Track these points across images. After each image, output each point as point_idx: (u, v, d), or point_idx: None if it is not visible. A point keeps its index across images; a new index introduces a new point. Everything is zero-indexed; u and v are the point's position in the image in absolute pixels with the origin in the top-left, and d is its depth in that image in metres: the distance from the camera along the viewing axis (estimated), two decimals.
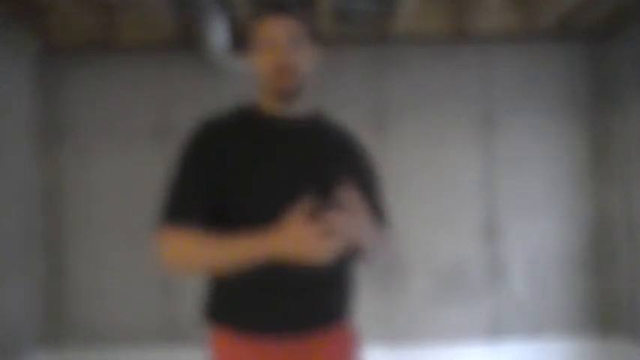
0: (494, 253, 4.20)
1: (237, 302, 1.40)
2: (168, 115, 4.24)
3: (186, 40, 4.13)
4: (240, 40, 4.06)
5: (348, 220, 1.26)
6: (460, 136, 4.25)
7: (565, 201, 4.21)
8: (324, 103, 4.02)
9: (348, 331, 1.51)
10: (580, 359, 4.08)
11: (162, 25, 4.01)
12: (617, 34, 4.06)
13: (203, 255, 1.34)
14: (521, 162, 4.23)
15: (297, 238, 1.22)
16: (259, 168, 1.37)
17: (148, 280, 4.15)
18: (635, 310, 3.84)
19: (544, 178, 4.22)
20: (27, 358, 3.89)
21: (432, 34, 4.18)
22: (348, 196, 1.29)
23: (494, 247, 4.20)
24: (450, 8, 4.07)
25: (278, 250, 1.25)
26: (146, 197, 4.17)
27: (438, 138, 4.25)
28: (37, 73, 4.21)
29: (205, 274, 1.46)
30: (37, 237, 4.14)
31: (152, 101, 4.24)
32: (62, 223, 4.19)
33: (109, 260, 4.15)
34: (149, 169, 4.20)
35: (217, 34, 3.79)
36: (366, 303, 3.96)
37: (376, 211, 1.55)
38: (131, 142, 4.22)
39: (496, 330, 4.15)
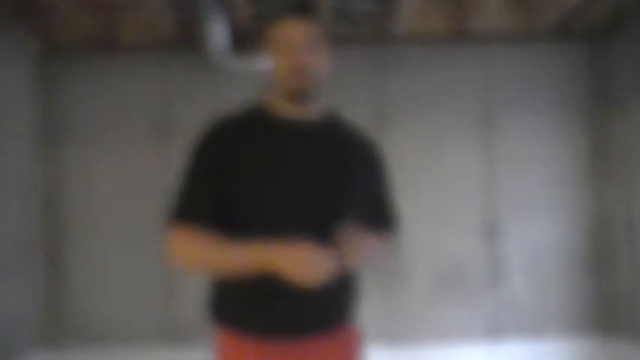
0: (494, 253, 4.20)
1: (240, 304, 1.41)
2: (168, 114, 4.24)
3: (186, 40, 4.13)
4: (240, 40, 4.06)
5: (353, 250, 1.33)
6: (460, 136, 4.25)
7: (565, 201, 4.21)
8: (324, 103, 4.01)
9: (352, 333, 1.51)
10: (580, 359, 4.08)
11: (162, 25, 4.02)
12: (617, 35, 4.06)
13: (208, 257, 1.36)
14: (521, 162, 4.23)
15: (297, 262, 1.25)
16: (271, 169, 1.38)
17: (148, 280, 4.14)
18: (635, 310, 3.84)
19: (544, 178, 4.22)
20: (27, 358, 3.89)
21: (432, 34, 4.18)
22: (351, 230, 1.34)
23: (494, 247, 4.20)
24: (450, 8, 4.07)
25: (275, 265, 1.28)
26: (146, 197, 4.17)
27: (437, 138, 4.25)
28: (37, 73, 4.21)
29: (209, 275, 1.47)
30: (37, 237, 4.14)
31: (152, 101, 4.25)
32: (62, 223, 4.19)
33: (109, 260, 4.15)
34: (149, 169, 4.20)
35: (217, 34, 3.79)
36: (365, 303, 3.96)
37: (386, 210, 1.59)
38: (131, 142, 4.22)
39: (496, 330, 4.15)
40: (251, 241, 1.32)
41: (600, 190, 4.20)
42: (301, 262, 1.25)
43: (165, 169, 4.18)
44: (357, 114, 4.19)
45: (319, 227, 1.36)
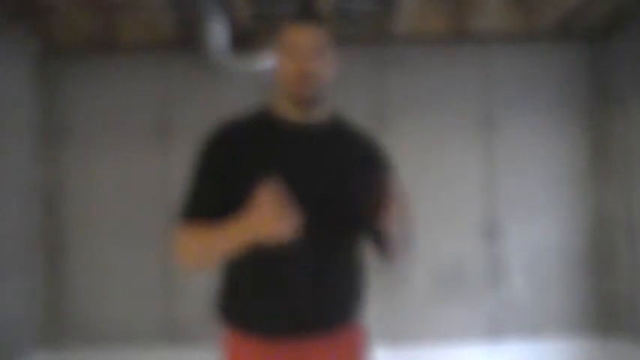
0: (494, 253, 4.20)
1: (247, 304, 1.42)
2: (168, 115, 4.24)
3: (186, 40, 4.13)
4: (240, 40, 4.06)
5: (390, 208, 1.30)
6: (460, 136, 4.25)
7: (565, 201, 4.21)
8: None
9: (358, 332, 1.52)
10: (580, 359, 4.08)
11: (162, 25, 4.02)
12: (617, 35, 4.06)
13: (203, 247, 1.38)
14: (521, 162, 4.23)
15: (261, 220, 1.24)
16: (276, 172, 1.38)
17: (148, 280, 4.14)
18: (635, 310, 3.84)
19: (544, 178, 4.22)
20: (27, 358, 3.89)
21: (432, 34, 4.18)
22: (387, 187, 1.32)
23: (494, 247, 4.20)
24: (450, 8, 4.07)
25: (247, 233, 1.28)
26: (146, 197, 4.17)
27: (437, 138, 4.25)
28: (37, 73, 4.21)
29: (215, 272, 1.48)
30: (37, 237, 4.14)
31: (152, 101, 4.25)
32: (62, 223, 4.19)
33: (109, 260, 4.15)
34: (149, 169, 4.20)
35: (217, 34, 3.79)
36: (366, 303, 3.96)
37: None
38: (131, 142, 4.22)
39: (496, 330, 4.15)
40: (228, 222, 1.33)
41: (600, 190, 4.20)
42: (264, 220, 1.24)
43: (165, 169, 4.18)
44: (357, 114, 4.18)
45: (323, 230, 1.37)
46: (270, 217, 1.23)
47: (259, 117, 1.48)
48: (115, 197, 4.18)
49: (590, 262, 4.18)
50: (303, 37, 1.41)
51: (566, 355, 4.08)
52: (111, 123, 4.23)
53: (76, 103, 4.24)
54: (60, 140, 4.22)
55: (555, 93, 4.27)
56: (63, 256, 4.17)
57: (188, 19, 3.96)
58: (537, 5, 3.97)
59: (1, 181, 3.68)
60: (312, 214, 1.35)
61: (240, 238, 1.30)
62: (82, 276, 4.16)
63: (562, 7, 3.79)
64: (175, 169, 4.13)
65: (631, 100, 3.88)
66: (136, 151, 4.21)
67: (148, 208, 4.15)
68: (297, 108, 1.44)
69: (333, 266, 1.40)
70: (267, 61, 3.91)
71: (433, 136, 4.25)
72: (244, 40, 4.07)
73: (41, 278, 4.14)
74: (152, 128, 4.23)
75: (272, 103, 1.49)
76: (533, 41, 4.27)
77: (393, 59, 4.27)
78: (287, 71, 1.41)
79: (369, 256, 1.55)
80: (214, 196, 1.40)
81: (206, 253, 1.39)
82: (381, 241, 1.42)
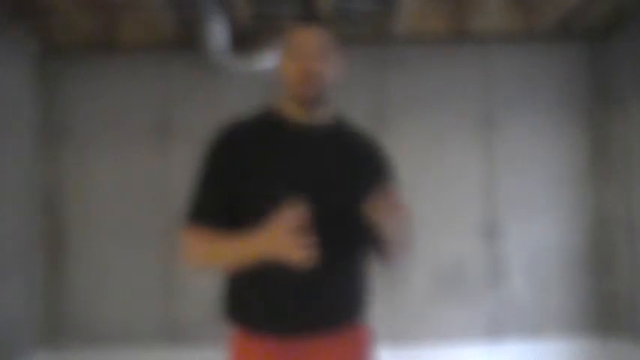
0: (494, 253, 4.20)
1: (253, 304, 1.43)
2: (168, 115, 4.24)
3: (186, 40, 4.13)
4: (240, 40, 4.06)
5: (389, 213, 1.30)
6: (460, 136, 4.25)
7: (565, 201, 4.21)
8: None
9: (363, 332, 1.53)
10: (580, 359, 4.08)
11: (162, 25, 4.02)
12: (617, 35, 4.06)
13: (213, 254, 1.42)
14: (521, 162, 4.23)
15: (273, 243, 1.27)
16: (278, 172, 1.41)
17: (148, 280, 4.14)
18: (635, 310, 3.84)
19: (544, 178, 4.22)
20: (27, 358, 3.89)
21: (432, 34, 4.18)
22: (385, 195, 1.32)
23: (494, 247, 4.20)
24: (450, 8, 4.07)
25: (260, 251, 1.30)
26: (146, 197, 4.17)
27: (437, 138, 4.25)
28: (37, 73, 4.21)
29: (221, 273, 1.50)
30: (37, 237, 4.14)
31: (152, 101, 4.25)
32: (62, 223, 4.19)
33: (109, 260, 4.15)
34: (149, 169, 4.20)
35: (217, 34, 3.79)
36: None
37: None
38: (131, 142, 4.22)
39: (496, 330, 4.15)
40: (243, 234, 1.35)
41: (600, 190, 4.20)
42: (280, 242, 1.26)
43: (165, 169, 4.18)
44: (357, 114, 4.18)
45: (325, 231, 1.37)
46: (287, 241, 1.25)
47: (264, 118, 1.50)
48: (115, 197, 4.18)
49: (590, 262, 4.18)
50: (308, 39, 1.43)
51: (566, 355, 4.08)
52: (111, 123, 4.23)
53: (76, 103, 4.24)
54: (60, 140, 4.22)
55: (555, 93, 4.27)
56: (63, 256, 4.17)
57: (188, 19, 3.96)
58: (537, 5, 3.97)
59: (1, 181, 3.68)
60: (315, 214, 1.36)
61: (253, 253, 1.33)
62: (82, 276, 4.16)
63: (562, 7, 3.79)
64: (175, 169, 4.13)
65: (631, 100, 3.88)
66: (136, 151, 4.21)
67: (148, 208, 4.15)
68: (302, 109, 1.46)
69: (338, 266, 1.41)
70: (267, 61, 3.91)
71: (433, 136, 4.25)
72: (244, 40, 4.07)
73: (41, 278, 4.14)
74: (152, 128, 4.23)
75: (277, 104, 1.51)
76: (533, 41, 4.27)
77: (393, 59, 4.27)
78: (291, 72, 1.43)
79: (370, 257, 1.55)
80: (221, 196, 1.42)
81: (216, 260, 1.43)
82: (379, 244, 1.43)
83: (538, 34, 4.22)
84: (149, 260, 4.13)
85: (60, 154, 4.22)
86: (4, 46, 3.81)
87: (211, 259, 1.43)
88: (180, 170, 4.02)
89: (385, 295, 4.09)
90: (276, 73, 1.51)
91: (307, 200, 1.36)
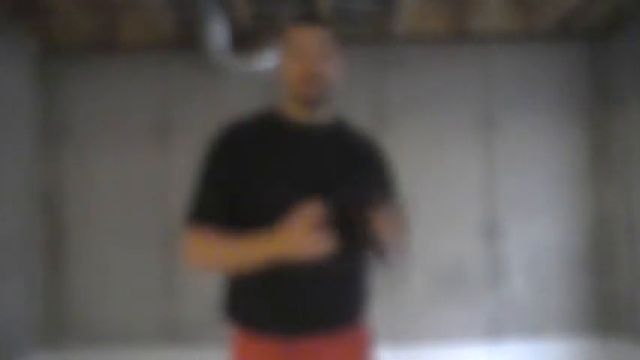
0: (494, 253, 4.20)
1: (255, 304, 1.43)
2: (168, 115, 4.24)
3: (186, 40, 4.13)
4: (240, 40, 4.06)
5: (383, 222, 1.32)
6: (460, 136, 4.25)
7: (565, 201, 4.21)
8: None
9: (364, 332, 1.53)
10: (580, 359, 4.08)
11: (162, 25, 4.01)
12: (617, 35, 4.06)
13: (221, 255, 1.41)
14: (521, 162, 4.23)
15: (292, 240, 1.27)
16: (279, 172, 1.41)
17: (148, 280, 4.14)
18: (635, 310, 3.84)
19: (544, 178, 4.22)
20: (27, 358, 3.89)
21: (432, 34, 4.18)
22: (379, 203, 1.33)
23: (494, 247, 4.20)
24: (450, 8, 4.07)
25: (277, 250, 1.30)
26: (146, 197, 4.17)
27: (437, 138, 4.25)
28: (37, 73, 4.21)
29: (224, 274, 1.50)
30: (37, 237, 4.14)
31: (152, 101, 4.25)
32: (62, 223, 4.19)
33: (109, 260, 4.15)
34: (149, 169, 4.20)
35: (217, 34, 3.79)
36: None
37: (393, 212, 1.59)
38: (131, 142, 4.22)
39: (496, 330, 4.15)
40: (254, 235, 1.35)
41: (600, 190, 4.20)
42: (296, 241, 1.27)
43: (165, 169, 4.18)
44: (357, 114, 4.19)
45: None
46: (303, 239, 1.26)
47: (265, 118, 1.50)
48: (114, 197, 4.18)
49: (590, 262, 4.18)
50: (309, 39, 1.43)
51: (566, 355, 4.08)
52: (111, 123, 4.23)
53: (76, 103, 4.24)
54: (60, 140, 4.22)
55: (555, 93, 4.27)
56: (63, 256, 4.17)
57: (188, 19, 3.96)
58: (537, 5, 3.97)
59: (1, 181, 3.68)
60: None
61: (265, 254, 1.32)
62: (82, 276, 4.16)
63: (562, 7, 3.79)
64: (175, 169, 4.13)
65: (631, 100, 3.88)
66: (136, 151, 4.21)
67: (148, 208, 4.15)
68: (304, 109, 1.46)
69: (339, 266, 1.41)
70: (267, 61, 3.91)
71: (433, 136, 4.25)
72: (244, 40, 4.07)
73: (41, 278, 4.14)
74: (152, 128, 4.23)
75: (278, 104, 1.51)
76: (533, 41, 4.27)
77: (393, 59, 4.27)
78: (293, 72, 1.43)
79: (370, 257, 1.55)
80: (223, 196, 1.42)
81: (222, 261, 1.41)
82: (375, 246, 1.43)
83: (538, 34, 4.22)
84: (149, 260, 4.13)
85: (60, 154, 4.22)
86: (4, 46, 3.81)
87: (217, 260, 1.42)
88: (180, 170, 4.02)
89: (385, 295, 4.09)
90: (276, 73, 1.51)
91: (305, 200, 1.37)
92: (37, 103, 4.20)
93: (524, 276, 4.18)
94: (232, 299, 1.48)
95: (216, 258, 1.42)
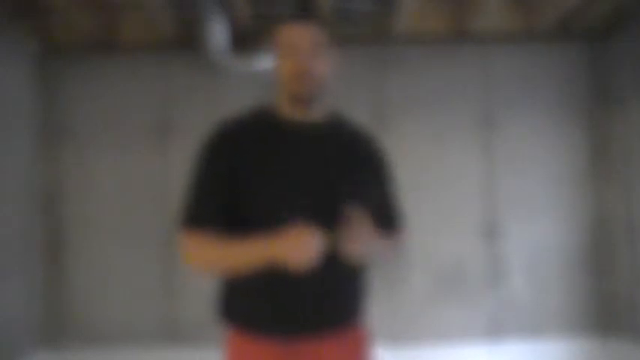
0: (494, 253, 4.20)
1: (250, 305, 1.43)
2: (168, 115, 4.24)
3: (186, 40, 4.13)
4: (240, 40, 4.06)
5: (356, 238, 1.32)
6: (460, 136, 4.25)
7: (565, 201, 4.21)
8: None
9: (360, 332, 1.52)
10: (580, 359, 4.08)
11: (162, 25, 4.01)
12: (617, 35, 4.06)
13: (219, 257, 1.41)
14: (521, 162, 4.23)
15: (289, 247, 1.28)
16: (277, 171, 1.40)
17: (148, 280, 4.14)
18: (635, 310, 3.84)
19: (544, 178, 4.22)
20: (27, 358, 3.89)
21: (432, 34, 4.18)
22: (355, 215, 1.34)
23: (494, 247, 4.20)
24: (450, 8, 4.07)
25: (273, 255, 1.30)
26: (146, 197, 4.17)
27: (437, 138, 4.25)
28: (37, 73, 4.21)
29: (222, 275, 1.50)
30: (37, 237, 4.14)
31: (152, 101, 4.25)
32: (62, 224, 4.19)
33: (109, 260, 4.15)
34: (149, 169, 4.20)
35: (217, 34, 3.80)
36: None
37: (391, 210, 1.62)
38: (131, 142, 4.22)
39: (496, 330, 4.15)
40: (253, 237, 1.35)
41: (600, 190, 4.20)
42: (292, 247, 1.27)
43: (165, 169, 4.18)
44: (357, 114, 4.18)
45: (325, 230, 1.38)
46: (299, 246, 1.27)
47: (260, 116, 1.49)
48: (114, 197, 4.18)
49: (590, 262, 4.18)
50: (300, 36, 1.42)
51: (566, 355, 4.09)
52: (111, 123, 4.23)
53: (76, 103, 4.24)
54: (60, 140, 4.22)
55: (555, 93, 4.27)
56: (63, 256, 4.17)
57: (188, 19, 3.96)
58: (537, 5, 3.97)
59: (1, 181, 3.68)
60: (310, 212, 1.35)
61: (262, 257, 1.33)
62: (82, 276, 4.16)
63: (562, 7, 3.79)
64: (175, 169, 4.13)
65: (631, 100, 3.88)
66: (136, 151, 4.21)
67: (148, 208, 4.15)
68: (297, 106, 1.45)
69: (336, 265, 1.41)
70: (267, 61, 3.91)
71: (433, 136, 4.25)
72: (244, 40, 4.07)
73: (41, 278, 4.14)
74: (152, 128, 4.23)
75: (274, 102, 1.50)
76: (533, 41, 4.27)
77: (393, 59, 4.27)
78: (285, 70, 1.42)
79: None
80: (221, 197, 1.41)
81: (221, 263, 1.41)
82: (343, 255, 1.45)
83: (538, 34, 4.22)
84: (149, 260, 4.13)
85: (60, 154, 4.22)
86: (4, 46, 3.81)
87: (215, 263, 1.42)
88: (180, 170, 4.01)
89: (385, 295, 4.09)
90: (274, 72, 1.51)
91: (307, 200, 1.36)
92: (37, 103, 4.20)
93: (524, 276, 4.18)
94: (228, 300, 1.47)
95: (214, 261, 1.42)
